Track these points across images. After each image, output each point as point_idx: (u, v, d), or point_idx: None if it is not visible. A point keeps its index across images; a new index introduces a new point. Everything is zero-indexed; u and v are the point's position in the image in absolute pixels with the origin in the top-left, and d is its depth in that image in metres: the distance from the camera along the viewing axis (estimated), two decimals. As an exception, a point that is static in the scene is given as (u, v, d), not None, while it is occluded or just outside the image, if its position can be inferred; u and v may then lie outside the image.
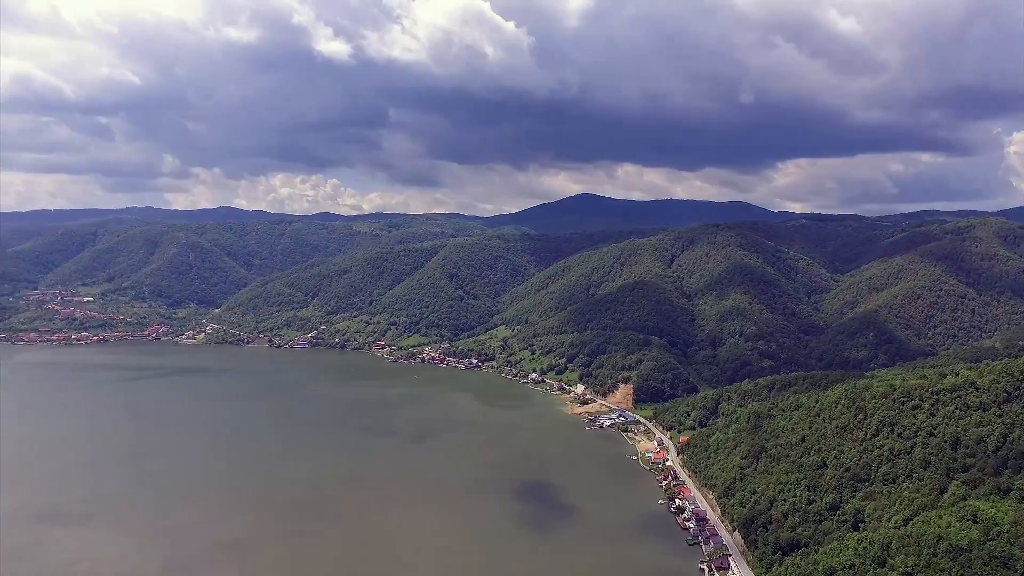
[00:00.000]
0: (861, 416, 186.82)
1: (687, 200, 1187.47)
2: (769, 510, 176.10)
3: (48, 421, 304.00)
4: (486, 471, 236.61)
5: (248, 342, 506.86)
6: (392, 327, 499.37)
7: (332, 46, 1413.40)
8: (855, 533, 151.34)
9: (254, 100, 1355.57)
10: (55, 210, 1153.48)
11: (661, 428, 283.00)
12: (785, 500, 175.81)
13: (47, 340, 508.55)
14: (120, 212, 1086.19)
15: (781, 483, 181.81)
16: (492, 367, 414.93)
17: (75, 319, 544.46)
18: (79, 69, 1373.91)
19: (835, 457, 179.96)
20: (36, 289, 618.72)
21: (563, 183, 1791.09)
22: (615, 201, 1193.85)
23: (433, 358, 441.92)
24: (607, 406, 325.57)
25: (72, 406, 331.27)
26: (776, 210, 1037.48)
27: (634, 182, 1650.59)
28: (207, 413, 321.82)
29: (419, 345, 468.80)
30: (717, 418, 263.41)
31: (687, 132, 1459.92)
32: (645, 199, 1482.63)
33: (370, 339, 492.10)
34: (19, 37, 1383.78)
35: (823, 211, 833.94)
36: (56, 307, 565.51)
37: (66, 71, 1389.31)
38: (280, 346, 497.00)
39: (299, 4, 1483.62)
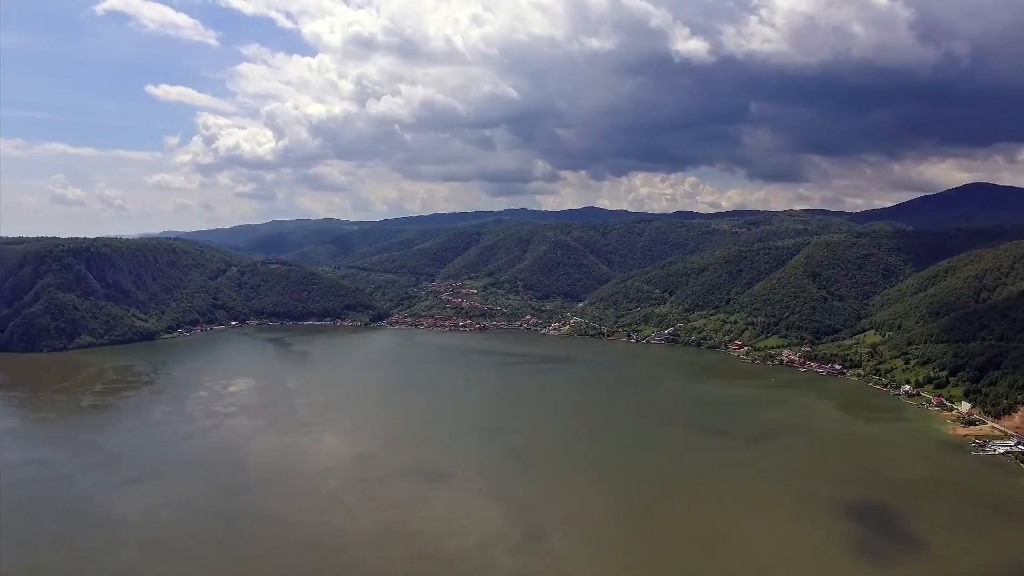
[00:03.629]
0: None
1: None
2: None
3: (436, 394, 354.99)
4: (831, 485, 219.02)
5: (608, 335, 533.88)
6: (749, 327, 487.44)
7: (690, 45, 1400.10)
8: None
9: (616, 104, 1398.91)
10: (448, 213, 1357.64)
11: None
12: None
13: (440, 325, 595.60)
14: (499, 214, 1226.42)
15: None
16: (858, 375, 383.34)
17: (462, 308, 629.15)
18: (468, 90, 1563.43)
19: None
20: (433, 281, 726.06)
21: (947, 172, 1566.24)
22: (1016, 190, 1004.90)
23: (792, 361, 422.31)
24: (1001, 430, 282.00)
25: (455, 383, 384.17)
26: None
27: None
28: (565, 399, 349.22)
29: (777, 347, 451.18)
30: None
31: None
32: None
33: (726, 338, 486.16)
34: (424, 69, 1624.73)
35: None
36: (448, 297, 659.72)
37: (459, 93, 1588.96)
38: (637, 341, 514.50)
39: (655, 8, 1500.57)
